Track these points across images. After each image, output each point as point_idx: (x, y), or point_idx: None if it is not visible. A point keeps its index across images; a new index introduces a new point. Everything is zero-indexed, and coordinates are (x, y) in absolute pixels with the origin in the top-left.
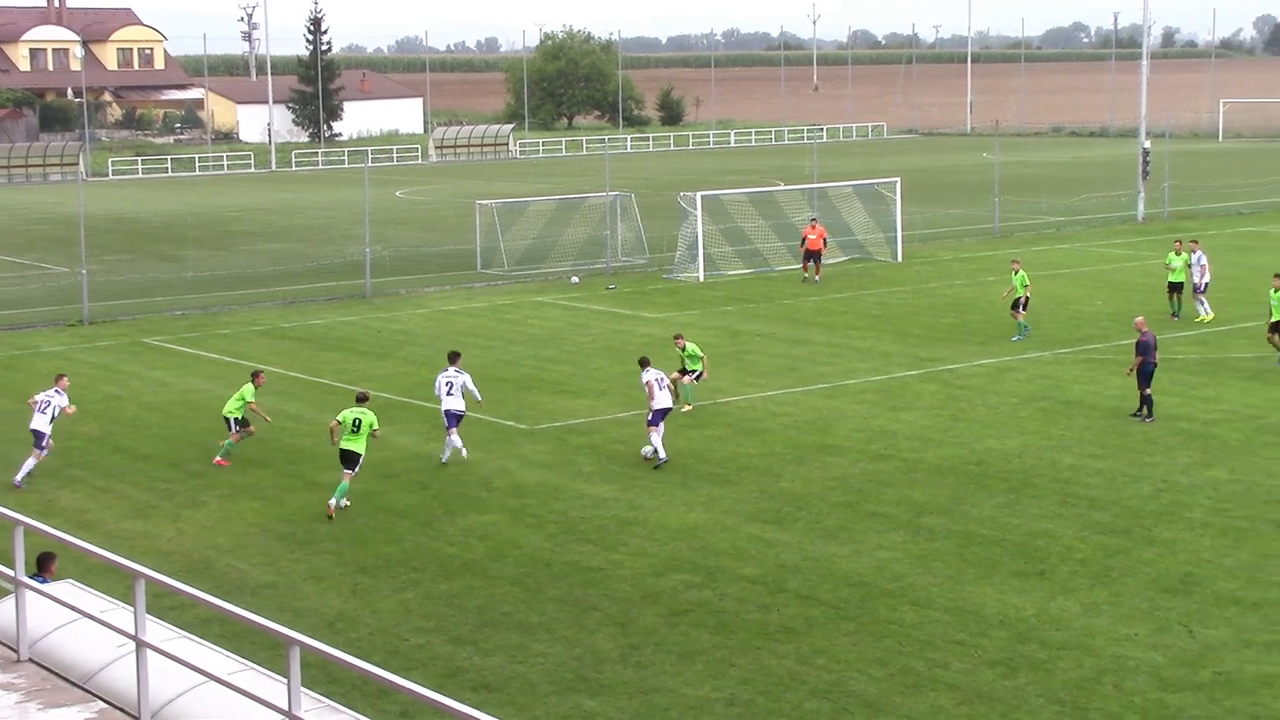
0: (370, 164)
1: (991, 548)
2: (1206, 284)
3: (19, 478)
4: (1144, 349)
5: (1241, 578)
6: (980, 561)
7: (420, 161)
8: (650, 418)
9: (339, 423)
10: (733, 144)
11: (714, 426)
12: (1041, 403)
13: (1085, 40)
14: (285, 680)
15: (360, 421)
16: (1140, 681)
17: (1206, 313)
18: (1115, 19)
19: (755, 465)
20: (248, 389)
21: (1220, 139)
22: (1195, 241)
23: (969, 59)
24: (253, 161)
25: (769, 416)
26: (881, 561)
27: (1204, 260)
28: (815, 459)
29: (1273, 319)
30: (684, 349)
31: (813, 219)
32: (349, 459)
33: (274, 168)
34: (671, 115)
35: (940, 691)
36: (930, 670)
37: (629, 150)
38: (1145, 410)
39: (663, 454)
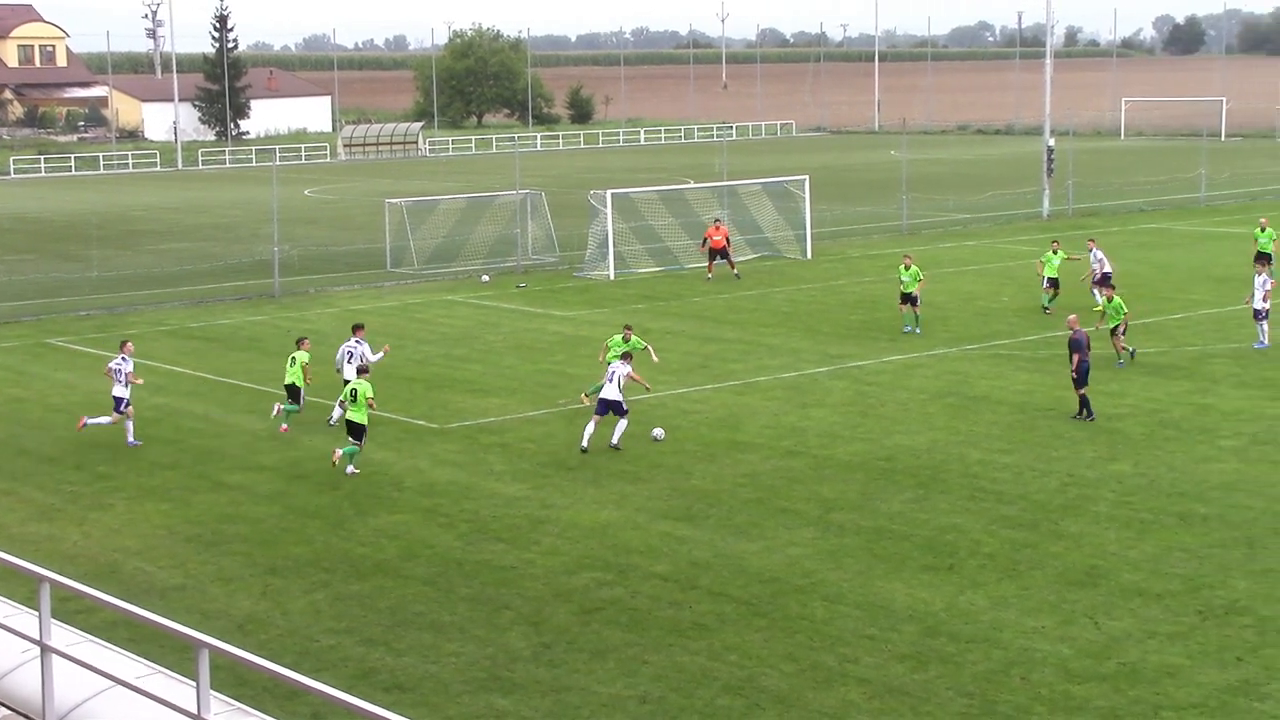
0: (278, 162)
1: (901, 543)
2: (1107, 274)
3: None
4: (1076, 346)
5: (1145, 570)
6: (890, 556)
7: (329, 160)
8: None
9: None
10: (642, 142)
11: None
12: (949, 399)
13: (990, 39)
14: (194, 684)
15: (356, 392)
16: (1047, 673)
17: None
18: (1019, 18)
19: (666, 463)
20: (301, 355)
21: (1122, 137)
22: (1092, 240)
23: (876, 58)
24: (158, 160)
25: (680, 414)
26: (792, 558)
27: (1101, 255)
28: (726, 456)
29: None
30: (628, 340)
31: (716, 220)
32: (352, 429)
33: (180, 166)
34: (581, 113)
35: (851, 686)
36: (841, 665)
37: (539, 148)
38: (1084, 411)
39: (584, 444)
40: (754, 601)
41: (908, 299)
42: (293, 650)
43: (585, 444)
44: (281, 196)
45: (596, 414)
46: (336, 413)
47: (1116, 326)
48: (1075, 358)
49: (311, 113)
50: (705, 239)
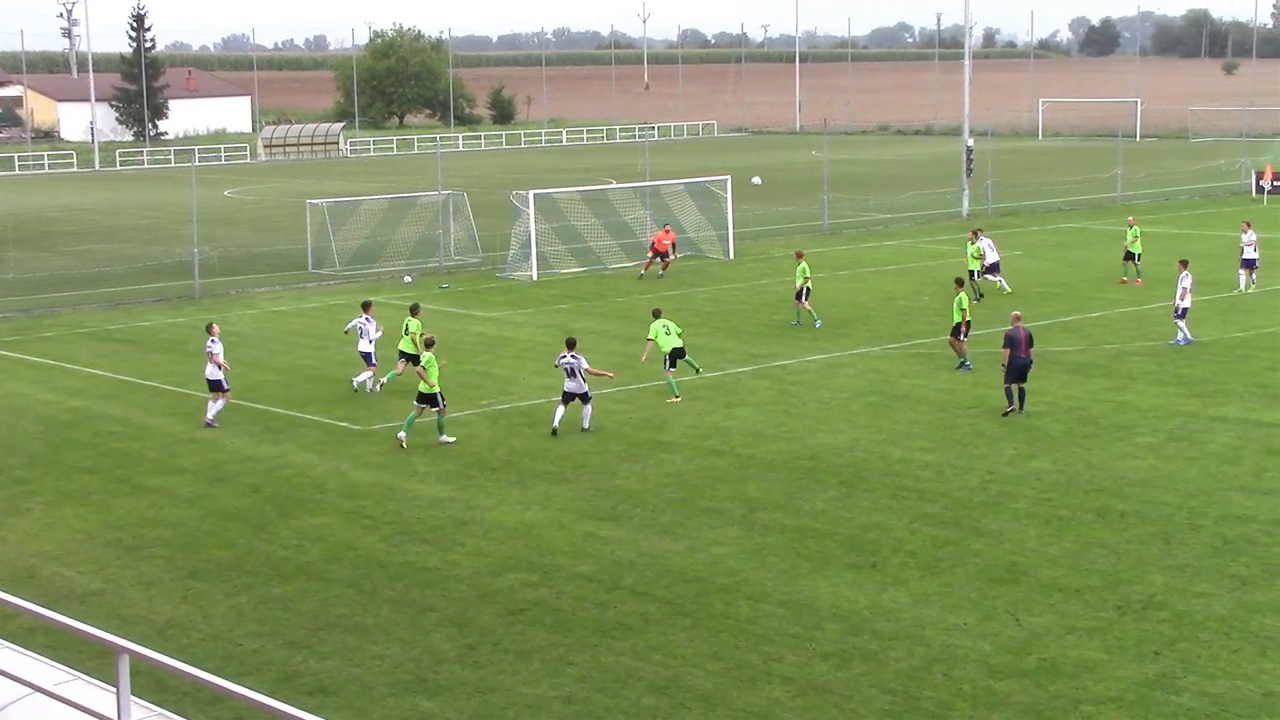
0: (197, 163)
1: (824, 541)
2: (996, 263)
3: None
4: (1011, 342)
5: (1064, 566)
6: (813, 555)
7: (249, 161)
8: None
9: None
10: (564, 142)
11: (548, 425)
12: (871, 397)
13: (910, 40)
14: (114, 689)
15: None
16: (969, 669)
17: (1005, 287)
18: (938, 20)
19: (591, 463)
20: (413, 322)
21: (1040, 137)
22: (980, 231)
23: (797, 58)
24: (75, 161)
25: (604, 414)
26: (716, 557)
27: (988, 243)
28: (650, 456)
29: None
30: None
31: (666, 225)
32: (424, 398)
33: (98, 167)
34: (503, 114)
35: (776, 684)
36: (765, 664)
37: (461, 149)
38: (1018, 405)
39: (555, 423)
40: (678, 601)
41: (801, 294)
42: (215, 655)
43: (556, 425)
44: (201, 197)
45: (562, 403)
46: (363, 376)
47: (958, 325)
48: (1007, 352)
49: (231, 113)
50: (654, 242)
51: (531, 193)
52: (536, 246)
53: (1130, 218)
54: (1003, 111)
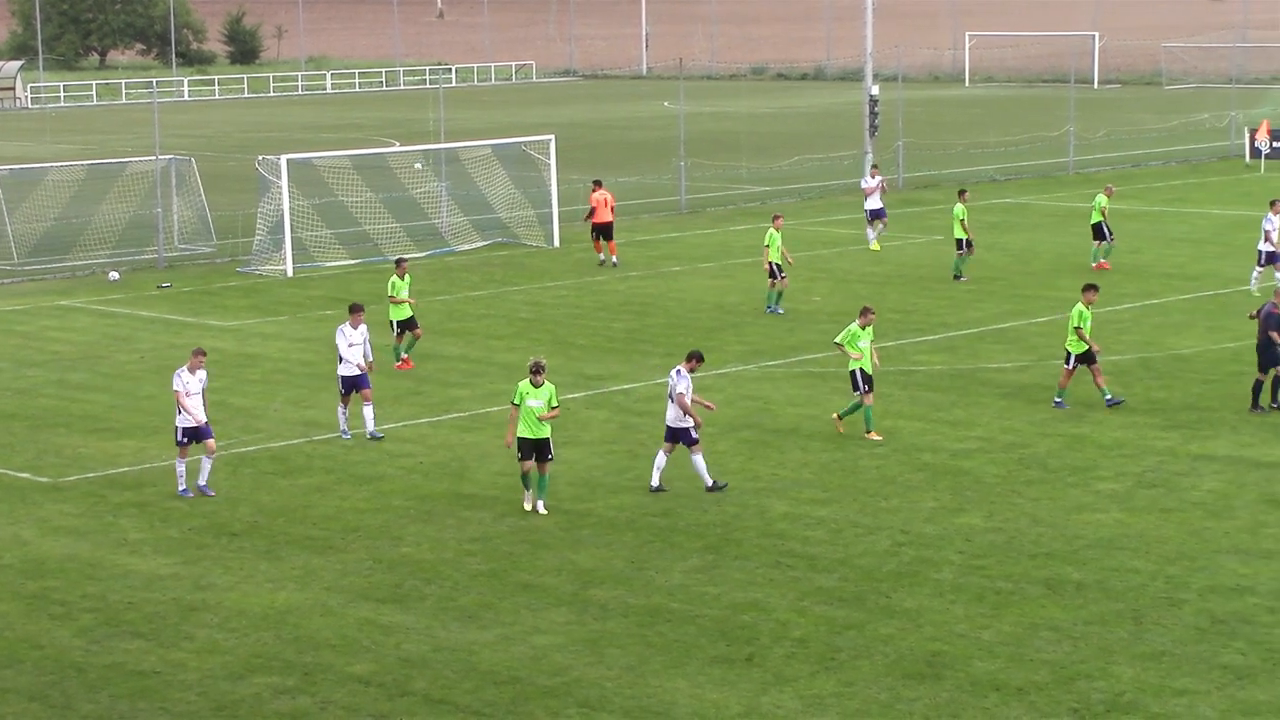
0: None
1: (683, 626)
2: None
3: None
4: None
5: (1003, 656)
6: (669, 646)
7: None
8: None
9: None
10: (329, 90)
11: (310, 474)
12: (745, 432)
13: None
14: None
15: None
16: None
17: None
18: None
19: (367, 525)
20: (396, 282)
21: (967, 83)
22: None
23: None
24: None
25: (385, 458)
26: (538, 649)
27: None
28: (448, 514)
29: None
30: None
31: (596, 181)
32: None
33: None
34: (244, 51)
35: None
36: None
37: (186, 98)
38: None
39: (706, 479)
40: (487, 710)
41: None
42: None
43: (656, 482)
44: None
45: (665, 441)
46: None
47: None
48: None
49: None
50: (590, 210)
51: (284, 158)
52: (292, 231)
53: (1109, 186)
54: (918, 49)
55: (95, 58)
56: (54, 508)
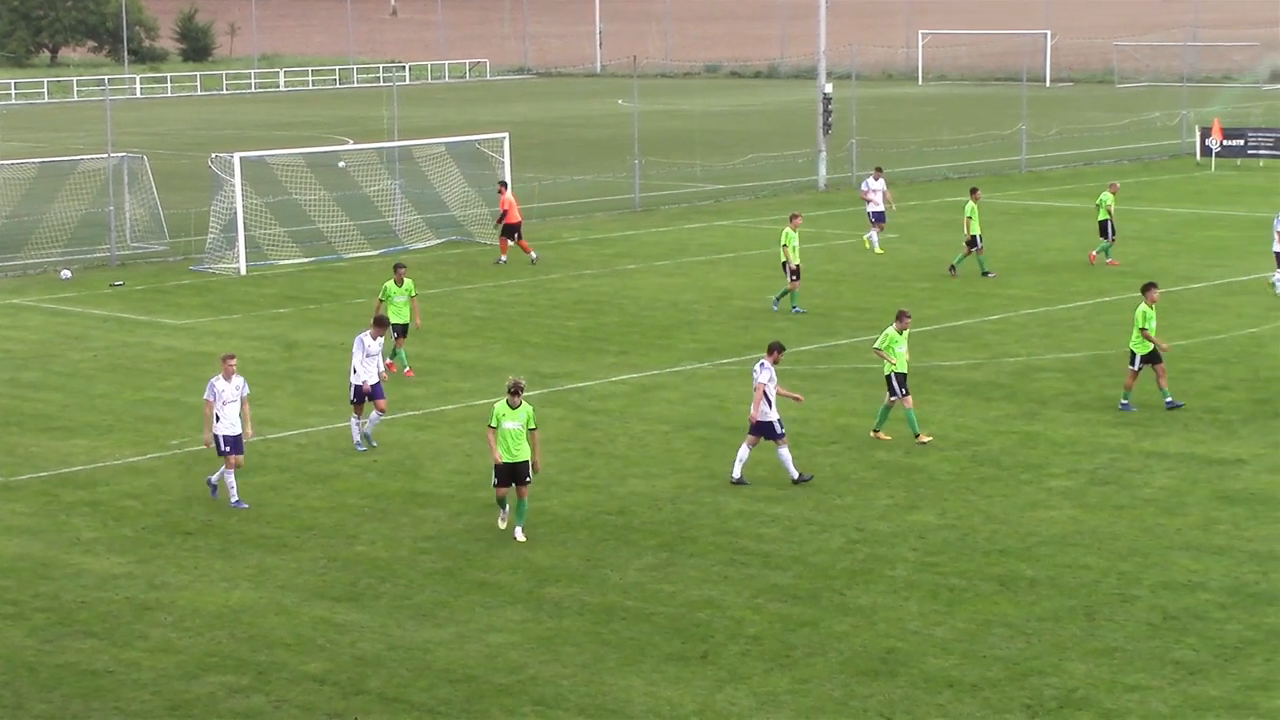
0: None
1: (638, 624)
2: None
3: None
4: None
5: (956, 652)
6: (624, 643)
7: None
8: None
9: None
10: (282, 88)
11: (264, 472)
12: (700, 430)
13: None
14: None
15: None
16: None
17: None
18: None
19: (322, 523)
20: (391, 285)
21: (920, 82)
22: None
23: None
24: None
25: (339, 456)
26: (493, 648)
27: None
28: (403, 512)
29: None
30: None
31: (502, 183)
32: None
33: None
34: (196, 49)
35: None
36: None
37: (139, 96)
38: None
39: (792, 472)
40: (442, 709)
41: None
42: None
43: (738, 474)
44: None
45: (750, 434)
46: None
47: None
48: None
49: None
50: (502, 212)
51: (237, 156)
52: (245, 229)
53: (1113, 183)
54: (871, 48)
55: (46, 55)
56: (5, 507)
